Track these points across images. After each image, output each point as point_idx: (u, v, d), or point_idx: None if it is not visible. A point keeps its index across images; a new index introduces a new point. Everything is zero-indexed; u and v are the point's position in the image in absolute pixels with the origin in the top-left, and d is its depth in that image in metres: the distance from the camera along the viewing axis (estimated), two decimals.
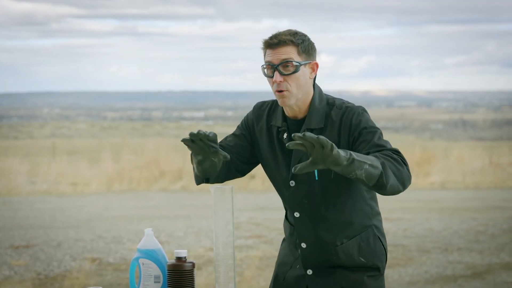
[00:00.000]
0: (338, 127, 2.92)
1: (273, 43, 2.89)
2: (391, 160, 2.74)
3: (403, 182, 2.76)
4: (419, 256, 8.58)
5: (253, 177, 16.16)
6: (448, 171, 18.18)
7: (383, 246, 3.04)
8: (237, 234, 9.75)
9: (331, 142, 2.54)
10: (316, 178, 2.93)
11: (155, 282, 2.89)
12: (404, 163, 2.79)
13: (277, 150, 3.00)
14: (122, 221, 11.21)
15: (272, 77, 2.90)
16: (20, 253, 8.67)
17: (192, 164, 2.96)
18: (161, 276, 2.89)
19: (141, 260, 2.91)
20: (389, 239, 9.58)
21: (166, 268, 2.90)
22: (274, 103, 3.07)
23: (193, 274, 2.85)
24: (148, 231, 2.93)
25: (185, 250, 2.88)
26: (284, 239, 3.18)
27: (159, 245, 2.93)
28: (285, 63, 2.87)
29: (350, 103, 2.97)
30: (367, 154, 2.82)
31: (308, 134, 2.51)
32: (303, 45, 2.91)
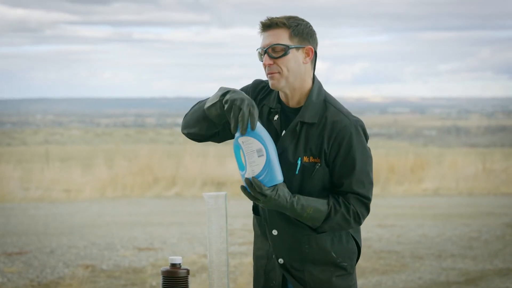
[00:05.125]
0: (328, 132, 2.92)
1: (266, 24, 2.91)
2: (335, 213, 2.90)
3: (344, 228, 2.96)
4: (412, 262, 8.58)
5: None
6: (441, 178, 18.19)
7: (357, 245, 3.05)
8: (230, 241, 9.74)
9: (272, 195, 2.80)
10: (297, 173, 2.93)
11: (259, 156, 2.79)
12: (355, 216, 2.92)
13: None
14: (115, 227, 11.19)
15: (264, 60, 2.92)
16: (13, 260, 8.64)
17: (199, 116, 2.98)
18: (263, 148, 2.78)
19: (240, 140, 2.80)
20: (383, 245, 9.59)
21: (265, 141, 2.80)
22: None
23: (187, 280, 2.85)
24: None
25: (180, 257, 2.87)
26: (255, 233, 3.17)
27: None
28: (275, 46, 2.89)
29: (347, 112, 2.96)
30: (339, 185, 2.92)
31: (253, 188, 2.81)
32: (297, 28, 2.91)
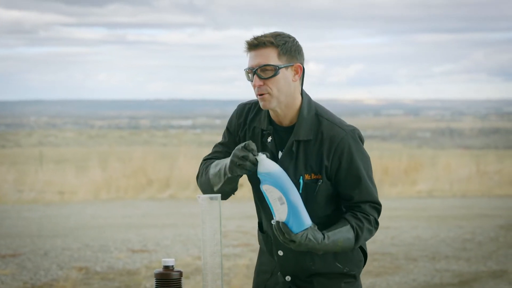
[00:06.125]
0: (327, 148, 2.90)
1: (253, 44, 2.86)
2: (361, 231, 2.90)
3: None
4: (406, 264, 8.60)
5: (240, 185, 16.06)
6: (435, 179, 18.23)
7: (362, 251, 3.04)
8: (225, 243, 9.74)
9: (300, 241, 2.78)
10: (300, 192, 2.90)
11: (281, 204, 2.78)
12: (375, 225, 2.94)
13: None
14: (109, 229, 11.18)
15: (253, 81, 2.88)
16: (7, 262, 8.63)
17: (216, 181, 2.96)
18: (283, 197, 2.77)
19: (263, 188, 2.81)
20: (377, 247, 9.59)
21: (284, 188, 2.78)
22: (258, 105, 3.01)
23: (180, 283, 2.84)
24: (261, 156, 2.80)
25: (173, 259, 2.86)
26: (260, 248, 3.18)
27: (274, 167, 2.79)
28: (264, 66, 2.84)
29: (340, 122, 2.94)
30: (349, 197, 2.91)
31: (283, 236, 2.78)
32: (285, 46, 2.86)
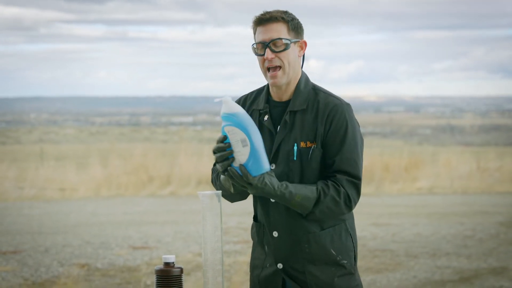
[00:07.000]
0: (322, 113, 2.97)
1: (264, 18, 2.95)
2: (324, 196, 2.91)
3: (336, 215, 2.97)
4: (407, 261, 8.60)
5: None
6: (436, 176, 18.22)
7: (353, 242, 3.06)
8: (225, 239, 9.75)
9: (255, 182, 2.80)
10: (295, 159, 2.96)
11: (243, 146, 2.80)
12: (346, 199, 2.93)
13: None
14: (110, 226, 11.19)
15: (263, 55, 2.95)
16: (8, 259, 8.63)
17: (223, 186, 3.00)
18: (247, 139, 2.79)
19: (226, 129, 2.83)
20: (377, 244, 9.60)
21: (248, 130, 2.79)
22: (255, 92, 3.12)
23: (181, 279, 2.85)
24: (225, 98, 2.83)
25: (173, 256, 2.87)
26: (253, 243, 3.20)
27: (238, 108, 2.83)
28: (276, 40, 2.93)
29: (337, 96, 3.04)
30: (331, 164, 2.95)
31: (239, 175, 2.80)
32: (293, 22, 2.98)
